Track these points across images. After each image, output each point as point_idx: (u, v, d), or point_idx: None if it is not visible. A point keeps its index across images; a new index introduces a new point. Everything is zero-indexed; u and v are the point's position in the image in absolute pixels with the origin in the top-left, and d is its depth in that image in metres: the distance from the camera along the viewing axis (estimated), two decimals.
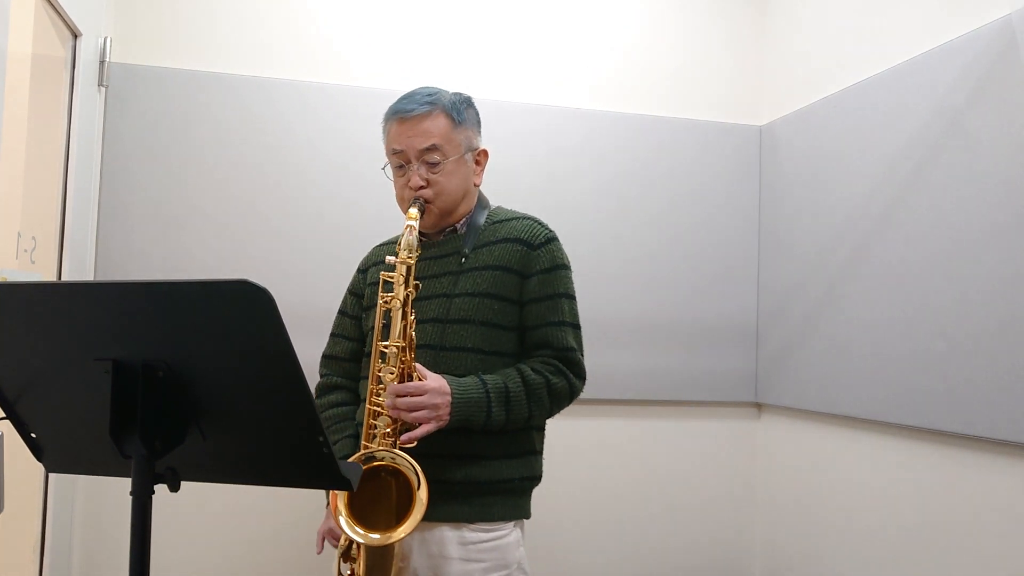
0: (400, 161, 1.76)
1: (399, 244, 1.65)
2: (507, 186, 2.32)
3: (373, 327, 1.77)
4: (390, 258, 1.66)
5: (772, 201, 2.82)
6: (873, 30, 2.42)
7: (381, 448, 1.59)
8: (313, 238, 2.54)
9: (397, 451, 1.58)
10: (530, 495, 1.80)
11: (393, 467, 1.57)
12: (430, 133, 1.72)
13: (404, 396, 1.60)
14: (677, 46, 2.89)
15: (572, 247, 1.88)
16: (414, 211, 1.69)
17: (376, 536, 1.54)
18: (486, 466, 1.70)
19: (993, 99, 1.96)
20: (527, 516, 1.79)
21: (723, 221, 2.86)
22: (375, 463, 1.57)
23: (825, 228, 2.53)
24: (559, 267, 1.78)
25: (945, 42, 2.11)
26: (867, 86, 2.38)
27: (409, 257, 1.63)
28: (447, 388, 1.62)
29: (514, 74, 2.75)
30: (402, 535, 1.52)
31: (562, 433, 2.10)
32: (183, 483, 1.10)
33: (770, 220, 2.83)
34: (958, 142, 2.04)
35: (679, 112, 2.86)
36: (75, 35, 2.25)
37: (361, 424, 1.75)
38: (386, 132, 1.79)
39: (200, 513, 2.45)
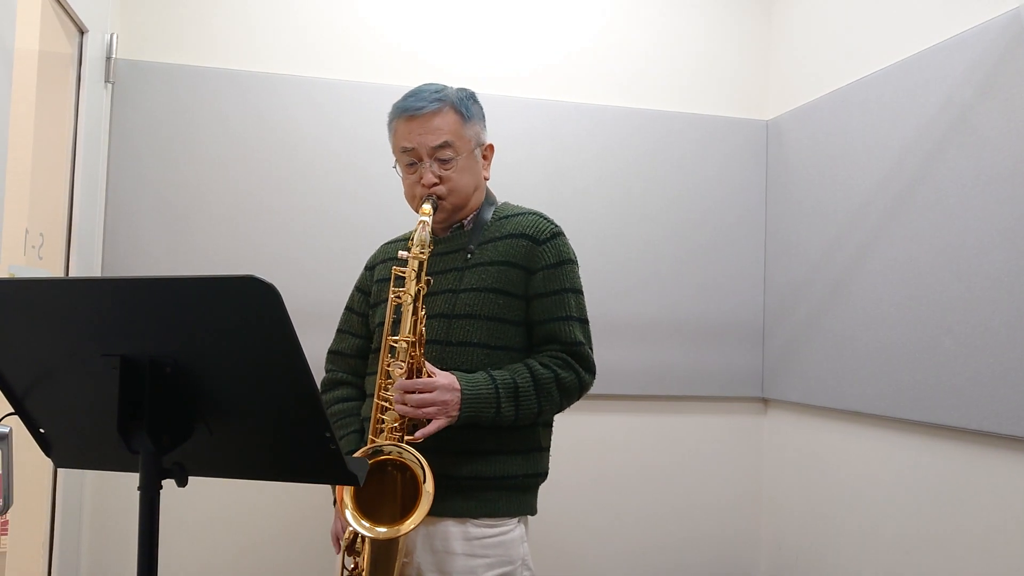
0: (411, 159, 1.75)
1: (411, 240, 1.66)
2: (512, 182, 2.32)
3: (381, 323, 1.77)
4: (403, 253, 1.66)
5: (778, 196, 2.82)
6: (880, 24, 2.40)
7: (388, 442, 1.60)
8: (320, 234, 2.55)
9: (404, 445, 1.58)
10: (536, 491, 1.80)
11: (399, 461, 1.57)
12: (441, 130, 1.72)
13: (413, 392, 1.60)
14: (683, 40, 2.88)
15: (577, 243, 1.87)
16: (427, 207, 1.69)
17: (383, 529, 1.54)
18: (491, 462, 1.71)
19: (1001, 94, 1.95)
20: (533, 512, 1.79)
21: (729, 216, 2.85)
22: (382, 456, 1.58)
23: (832, 222, 2.52)
24: (565, 262, 1.77)
25: (953, 36, 2.10)
26: (874, 80, 2.37)
27: (421, 253, 1.63)
28: (456, 385, 1.62)
29: (518, 69, 2.74)
30: (410, 527, 1.52)
31: (568, 429, 2.10)
32: (191, 478, 1.10)
33: (776, 214, 2.82)
34: (965, 137, 2.04)
35: (685, 107, 2.85)
36: (82, 32, 2.26)
37: (366, 420, 1.76)
38: (393, 130, 1.79)
39: (207, 508, 2.46)
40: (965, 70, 2.05)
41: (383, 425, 1.63)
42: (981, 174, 1.98)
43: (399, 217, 2.02)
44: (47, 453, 1.21)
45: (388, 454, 1.58)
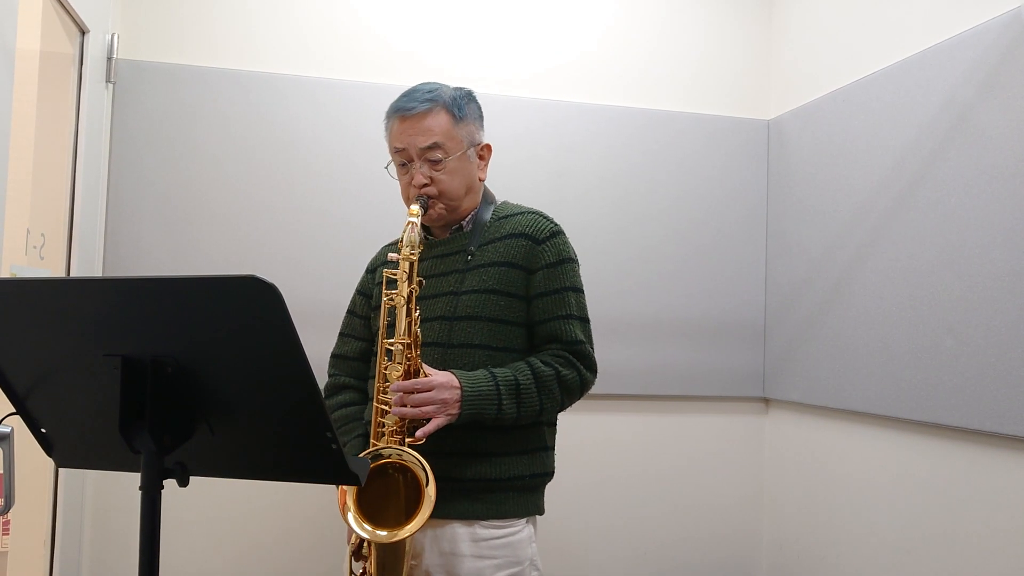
0: (403, 159, 1.75)
1: (401, 241, 1.65)
2: (513, 182, 2.32)
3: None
4: (392, 255, 1.65)
5: (780, 195, 2.82)
6: (882, 23, 2.40)
7: (388, 445, 1.58)
8: (320, 234, 2.55)
9: (404, 448, 1.57)
10: (542, 491, 1.80)
11: (400, 464, 1.57)
12: (431, 131, 1.71)
13: (411, 392, 1.59)
14: (684, 40, 2.88)
15: (579, 242, 1.87)
16: (416, 207, 1.68)
17: (383, 533, 1.53)
18: (497, 463, 1.70)
19: (1002, 93, 1.95)
20: (540, 512, 1.78)
21: (731, 215, 2.85)
22: (381, 460, 1.57)
23: (833, 222, 2.52)
24: (565, 260, 1.77)
25: (954, 35, 2.10)
26: (876, 80, 2.37)
27: (412, 254, 1.63)
28: (455, 382, 1.61)
29: (520, 70, 2.74)
30: (409, 532, 1.51)
31: (570, 428, 2.10)
32: (192, 478, 1.11)
33: (778, 214, 2.82)
34: (967, 136, 2.04)
35: (686, 107, 2.85)
36: (83, 32, 2.26)
37: (370, 423, 1.76)
38: (388, 130, 1.79)
39: (209, 508, 2.46)
40: (966, 70, 2.05)
41: (384, 428, 1.62)
42: (982, 174, 1.98)
43: (400, 217, 2.01)
44: (49, 453, 1.21)
45: (388, 457, 1.57)
